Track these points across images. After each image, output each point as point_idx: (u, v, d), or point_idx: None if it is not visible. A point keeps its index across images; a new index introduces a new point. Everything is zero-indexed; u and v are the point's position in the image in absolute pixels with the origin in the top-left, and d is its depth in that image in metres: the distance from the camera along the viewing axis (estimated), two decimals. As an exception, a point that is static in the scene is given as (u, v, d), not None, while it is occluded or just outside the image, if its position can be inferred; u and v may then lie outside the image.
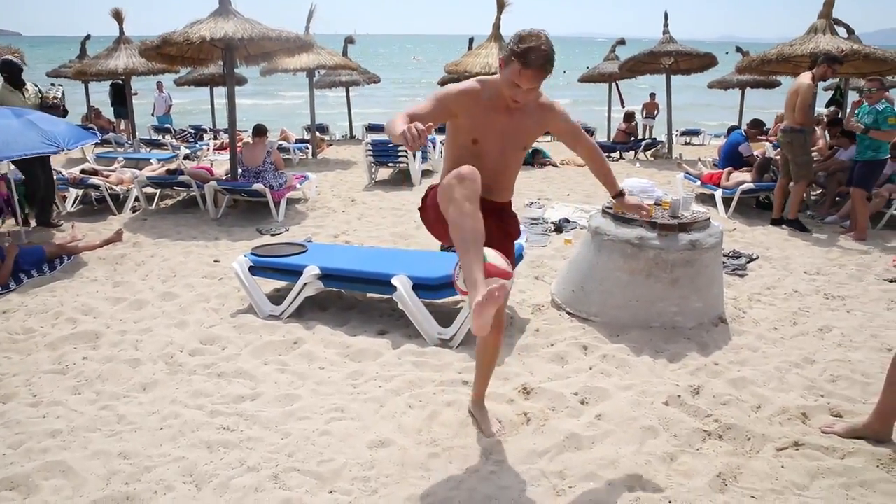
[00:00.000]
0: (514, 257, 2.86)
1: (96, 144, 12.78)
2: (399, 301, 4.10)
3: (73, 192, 8.02)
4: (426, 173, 10.55)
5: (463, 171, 2.30)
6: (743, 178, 7.88)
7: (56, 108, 7.32)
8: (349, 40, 15.12)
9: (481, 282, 2.18)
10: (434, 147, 11.07)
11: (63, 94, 7.98)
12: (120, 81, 13.98)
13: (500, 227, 2.72)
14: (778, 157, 8.22)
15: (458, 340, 4.03)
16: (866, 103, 6.61)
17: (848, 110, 10.03)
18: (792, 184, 6.88)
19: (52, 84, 9.04)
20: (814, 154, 7.52)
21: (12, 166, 6.82)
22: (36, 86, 7.24)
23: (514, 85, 2.42)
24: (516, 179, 2.85)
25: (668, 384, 3.48)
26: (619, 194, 3.03)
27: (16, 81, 6.87)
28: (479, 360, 3.01)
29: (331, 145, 15.12)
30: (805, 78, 6.65)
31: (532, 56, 2.33)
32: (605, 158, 2.98)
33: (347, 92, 17.93)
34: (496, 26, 12.70)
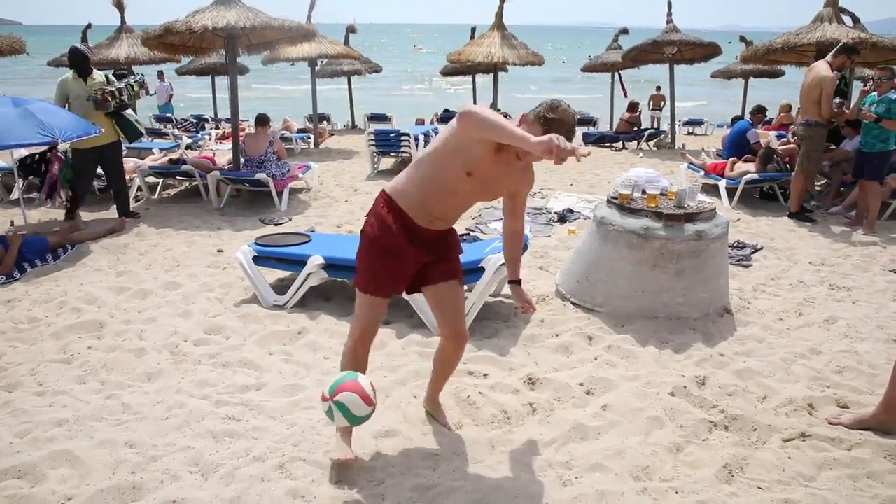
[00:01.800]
0: (458, 267, 2.81)
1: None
2: (403, 291, 4.09)
3: (76, 182, 7.99)
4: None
5: (360, 335, 2.72)
6: (747, 169, 7.84)
7: (122, 108, 6.57)
8: (351, 29, 15.04)
9: (342, 441, 2.67)
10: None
11: (130, 87, 6.67)
12: (122, 71, 13.91)
13: (437, 251, 2.70)
14: (781, 147, 8.19)
15: (462, 331, 4.01)
16: (875, 92, 6.55)
17: (854, 99, 9.95)
18: (794, 175, 6.82)
19: (125, 73, 8.06)
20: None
21: (69, 152, 6.60)
22: (106, 77, 6.72)
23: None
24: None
25: (673, 375, 3.48)
26: (516, 282, 2.89)
27: (82, 69, 6.45)
28: (438, 368, 2.98)
29: (332, 135, 15.08)
30: (824, 70, 6.47)
31: (557, 127, 2.37)
32: (522, 246, 2.95)
33: (349, 81, 17.86)
34: (498, 15, 12.62)
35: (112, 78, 6.80)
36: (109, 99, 6.41)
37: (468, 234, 6.18)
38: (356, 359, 2.73)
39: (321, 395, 2.54)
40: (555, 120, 2.39)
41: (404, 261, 2.64)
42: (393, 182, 2.70)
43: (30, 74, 35.44)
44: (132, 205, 7.68)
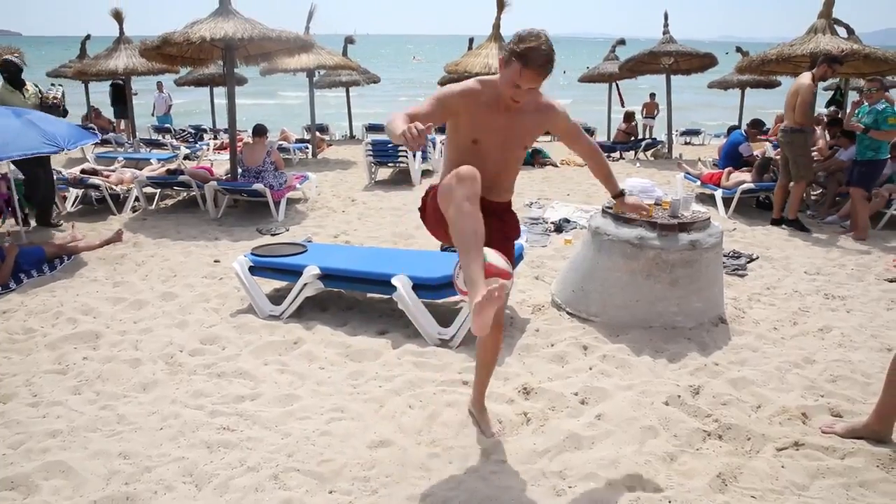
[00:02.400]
0: (514, 258, 2.86)
1: (96, 144, 12.77)
2: (399, 301, 4.10)
3: (73, 192, 8.03)
4: (426, 173, 10.55)
5: (462, 171, 2.30)
6: (743, 178, 7.88)
7: (56, 108, 7.28)
8: (349, 40, 15.13)
9: (481, 282, 2.18)
10: (434, 147, 11.07)
11: (63, 94, 7.92)
12: (120, 81, 13.99)
13: (500, 227, 2.72)
14: (778, 157, 8.23)
15: (458, 340, 4.03)
16: (866, 103, 6.61)
17: (848, 110, 10.02)
18: (792, 184, 6.88)
19: (53, 84, 8.98)
20: (814, 154, 7.53)
21: (13, 166, 6.81)
22: (36, 86, 7.19)
23: (514, 85, 2.42)
24: (517, 179, 2.85)
25: (668, 384, 3.48)
26: (619, 194, 3.03)
27: (16, 81, 6.85)
28: (480, 360, 3.01)
29: (330, 145, 15.12)
30: (805, 78, 6.65)
31: (532, 56, 2.33)
32: (605, 158, 2.98)
33: (347, 92, 17.94)
34: (496, 26, 12.71)
35: (41, 87, 7.37)
36: (61, 104, 7.24)
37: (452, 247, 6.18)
38: (462, 209, 2.26)
39: (460, 291, 2.33)
40: (527, 51, 2.33)
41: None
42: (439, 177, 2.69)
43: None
44: (129, 215, 7.71)
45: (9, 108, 6.07)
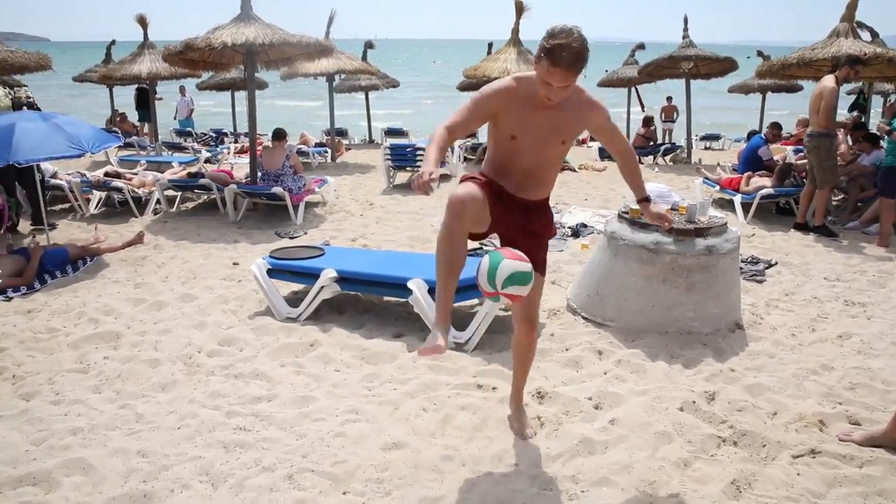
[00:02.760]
0: (542, 257, 2.80)
1: (119, 148, 12.99)
2: (415, 304, 4.13)
3: (97, 195, 8.18)
4: (444, 178, 10.57)
5: (468, 204, 2.36)
6: (762, 184, 7.79)
7: (32, 107, 7.35)
8: (369, 45, 15.23)
9: (439, 325, 2.38)
10: (452, 152, 11.10)
11: (33, 95, 7.86)
12: (144, 86, 14.22)
13: (525, 225, 2.70)
14: (799, 161, 8.13)
15: (473, 344, 4.04)
16: None
17: (874, 114, 9.87)
18: (817, 190, 6.78)
19: (18, 85, 9.12)
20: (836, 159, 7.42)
21: None
22: (3, 88, 7.32)
23: (546, 83, 2.39)
24: (555, 178, 2.81)
25: (683, 390, 3.46)
26: (644, 199, 2.98)
27: None
28: (514, 360, 3.03)
29: (349, 149, 15.23)
30: (828, 81, 6.56)
31: (561, 53, 2.28)
32: (637, 162, 2.95)
33: (367, 96, 18.05)
34: (515, 31, 12.70)
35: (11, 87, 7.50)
36: (34, 103, 7.28)
37: (480, 247, 6.20)
38: (451, 237, 2.39)
39: (483, 292, 2.39)
40: (556, 47, 2.28)
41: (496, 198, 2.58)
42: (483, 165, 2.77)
43: (57, 90, 36.22)
44: (151, 217, 7.83)
45: (35, 112, 6.21)
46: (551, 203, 2.95)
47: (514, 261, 2.33)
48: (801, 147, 10.43)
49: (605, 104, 2.73)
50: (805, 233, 6.90)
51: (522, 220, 2.70)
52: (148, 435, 3.09)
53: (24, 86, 9.46)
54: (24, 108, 7.16)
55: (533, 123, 2.53)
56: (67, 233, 7.04)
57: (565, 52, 2.28)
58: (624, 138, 2.87)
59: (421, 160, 9.81)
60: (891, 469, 2.76)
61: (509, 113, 2.52)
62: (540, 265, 2.76)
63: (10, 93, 7.25)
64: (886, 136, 6.39)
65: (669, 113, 17.33)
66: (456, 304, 4.46)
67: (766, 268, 5.69)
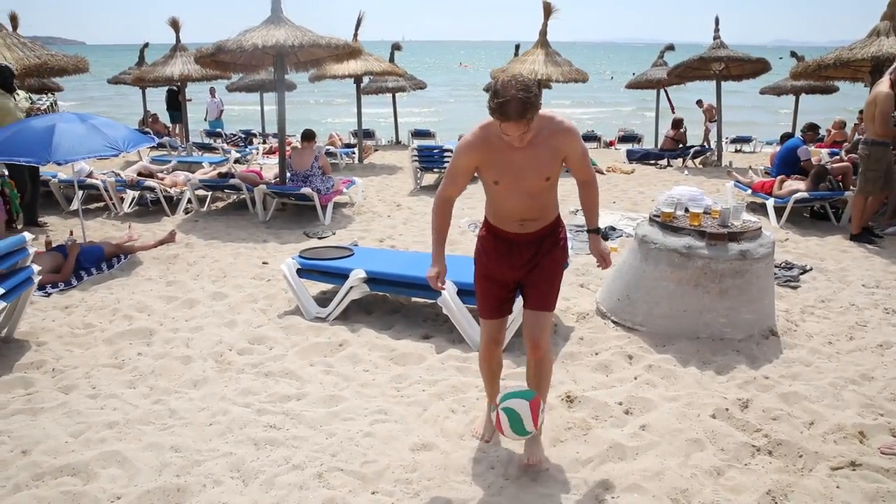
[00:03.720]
0: (555, 286, 2.82)
1: (151, 148, 13.23)
2: (443, 306, 4.12)
3: (130, 194, 8.34)
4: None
5: (484, 352, 2.95)
6: (797, 187, 7.63)
7: None
8: (396, 47, 15.30)
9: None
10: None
11: (52, 104, 7.75)
12: (175, 87, 14.47)
13: (532, 261, 2.78)
14: (834, 165, 7.94)
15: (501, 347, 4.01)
16: None
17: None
18: (855, 195, 6.60)
19: (40, 96, 9.26)
20: None
21: (4, 169, 6.99)
22: (28, 93, 7.41)
23: (505, 134, 2.46)
24: (555, 202, 2.82)
25: (715, 397, 3.41)
26: (594, 230, 2.93)
27: (7, 86, 6.94)
28: (529, 381, 2.96)
29: (377, 150, 15.31)
30: (882, 86, 6.28)
31: (506, 110, 2.35)
32: (597, 192, 2.93)
33: (394, 98, 18.13)
34: (543, 32, 12.65)
35: (31, 96, 7.48)
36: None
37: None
38: (489, 359, 2.98)
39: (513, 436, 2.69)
40: (499, 106, 2.34)
41: (501, 283, 2.86)
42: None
43: (93, 91, 37.03)
44: (182, 216, 7.96)
45: (73, 113, 6.35)
46: (577, 206, 2.95)
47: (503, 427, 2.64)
48: (836, 150, 10.22)
49: (576, 128, 2.74)
50: (864, 243, 6.60)
51: (530, 256, 2.77)
52: (181, 430, 3.14)
53: (53, 95, 9.67)
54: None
55: (512, 165, 2.58)
56: (102, 231, 7.19)
57: (509, 107, 2.34)
58: (591, 168, 2.86)
59: (448, 161, 9.82)
60: (934, 483, 2.68)
61: (487, 162, 2.63)
62: (551, 298, 2.80)
63: (28, 98, 7.31)
64: None
65: (712, 114, 17.06)
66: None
67: (801, 273, 5.57)
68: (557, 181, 2.74)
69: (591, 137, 17.78)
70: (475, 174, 2.75)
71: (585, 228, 3.01)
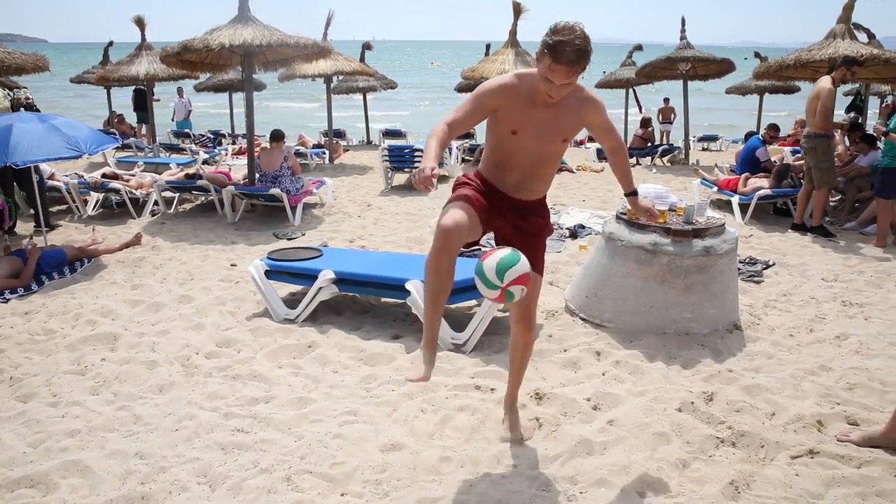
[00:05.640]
0: (540, 256, 2.79)
1: (117, 149, 12.97)
2: (413, 306, 4.12)
3: (94, 196, 8.17)
4: (442, 179, 10.57)
5: (454, 224, 2.35)
6: (760, 185, 7.80)
7: (31, 108, 7.36)
8: (366, 46, 15.23)
9: (427, 351, 2.57)
10: (451, 153, 11.11)
11: (32, 97, 7.88)
12: (142, 87, 14.21)
13: (520, 224, 2.70)
14: (796, 162, 8.15)
15: (471, 345, 4.04)
16: None
17: (871, 115, 9.90)
18: (814, 190, 6.80)
19: (18, 86, 9.08)
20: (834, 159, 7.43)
21: None
22: (2, 88, 7.32)
23: (548, 80, 2.37)
24: (552, 178, 2.80)
25: (681, 391, 3.46)
26: (632, 193, 2.99)
27: None
28: (511, 359, 3.01)
29: (347, 150, 15.23)
30: (824, 82, 6.59)
31: (563, 49, 2.26)
32: (628, 157, 2.96)
33: (364, 98, 18.05)
34: (513, 32, 12.72)
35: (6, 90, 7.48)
36: (33, 104, 7.25)
37: (479, 248, 6.20)
38: (441, 262, 2.38)
39: (492, 300, 2.40)
40: (558, 44, 2.26)
41: (486, 203, 2.58)
42: (480, 164, 2.76)
43: (55, 92, 36.17)
44: (148, 219, 7.82)
45: (32, 113, 6.20)
46: (549, 204, 2.95)
47: (489, 257, 2.32)
48: (798, 148, 10.47)
49: (603, 100, 2.72)
50: (802, 233, 6.92)
51: (517, 220, 2.69)
52: (146, 436, 3.08)
53: (24, 87, 9.46)
54: (23, 109, 7.14)
55: (534, 120, 2.51)
56: (65, 234, 7.03)
57: (568, 48, 2.25)
58: (618, 133, 2.87)
59: (419, 161, 9.82)
60: (889, 469, 2.77)
61: (510, 109, 2.51)
62: (538, 265, 2.74)
63: (8, 94, 7.24)
64: (883, 137, 6.42)
65: (667, 114, 17.36)
66: (454, 306, 4.48)
67: (764, 268, 5.70)
68: (564, 152, 2.74)
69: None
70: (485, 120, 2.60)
71: (623, 193, 3.00)
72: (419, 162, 10.57)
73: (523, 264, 2.31)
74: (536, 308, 2.84)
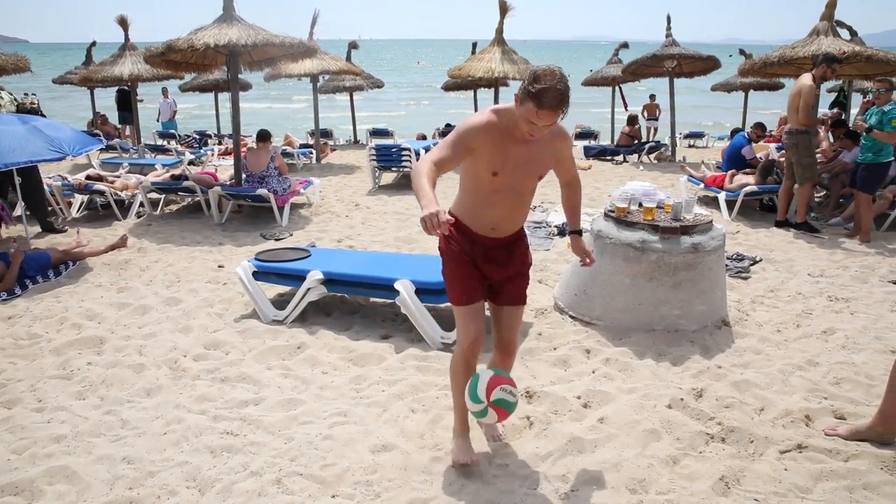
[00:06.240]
0: (525, 287, 2.86)
1: (101, 150, 12.84)
2: (402, 305, 4.11)
3: (79, 198, 8.07)
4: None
5: (467, 346, 2.68)
6: (746, 181, 7.86)
7: (35, 113, 7.34)
8: (353, 45, 15.17)
9: (461, 430, 2.82)
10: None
11: (38, 102, 7.98)
12: (126, 88, 14.07)
13: (506, 264, 2.74)
14: (782, 159, 8.22)
15: (460, 344, 4.03)
16: (875, 104, 6.59)
17: (854, 112, 10.00)
18: (797, 186, 6.87)
19: (26, 93, 8.99)
20: (817, 156, 7.51)
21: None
22: (11, 94, 7.26)
23: (530, 123, 2.43)
24: (528, 212, 2.84)
25: (670, 387, 3.48)
26: (576, 231, 3.02)
27: None
28: None
29: (334, 150, 15.16)
30: (806, 79, 6.65)
31: (547, 97, 2.33)
32: (581, 195, 3.01)
33: (351, 97, 17.98)
34: (499, 31, 12.70)
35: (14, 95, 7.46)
36: (38, 109, 7.29)
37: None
38: (467, 369, 2.71)
39: (469, 408, 2.61)
40: (541, 91, 2.33)
41: (476, 269, 2.70)
42: (451, 205, 2.76)
43: (38, 94, 35.73)
44: (134, 220, 7.74)
45: (14, 115, 6.11)
46: (537, 202, 2.97)
47: (504, 385, 2.54)
48: (783, 144, 10.54)
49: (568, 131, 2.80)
50: (786, 230, 6.98)
51: (503, 259, 2.74)
52: (133, 441, 3.05)
53: (34, 94, 9.39)
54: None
55: (513, 157, 2.56)
56: (49, 237, 6.94)
57: (550, 95, 2.34)
58: (576, 168, 2.92)
59: (406, 160, 9.80)
60: (876, 463, 2.79)
61: (491, 146, 2.53)
62: (522, 299, 2.84)
63: (14, 100, 7.18)
64: (864, 133, 6.49)
65: (653, 111, 17.44)
66: (442, 305, 4.47)
67: (751, 264, 5.74)
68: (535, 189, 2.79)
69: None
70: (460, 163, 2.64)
71: (568, 229, 3.05)
72: (406, 161, 10.55)
73: (485, 375, 2.56)
74: (517, 336, 2.90)
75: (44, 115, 7.85)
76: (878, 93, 6.52)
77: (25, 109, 7.20)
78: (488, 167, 2.55)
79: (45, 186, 7.75)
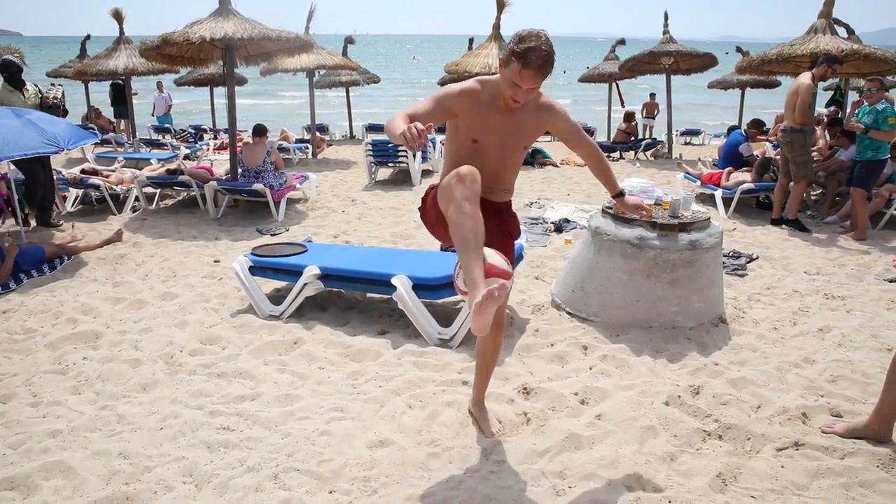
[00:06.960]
0: (514, 257, 2.87)
1: (96, 144, 12.77)
2: (399, 301, 4.10)
3: (73, 192, 8.03)
4: (426, 173, 10.55)
5: (463, 171, 2.31)
6: (743, 178, 7.88)
7: (56, 108, 7.27)
8: (349, 40, 15.12)
9: (481, 282, 2.17)
10: (434, 147, 11.08)
11: (63, 94, 7.90)
12: (120, 81, 13.99)
13: (500, 227, 2.73)
14: (778, 157, 8.23)
15: (458, 340, 4.03)
16: (866, 103, 6.61)
17: (848, 110, 10.02)
18: (792, 184, 6.88)
19: (53, 84, 8.93)
20: (814, 154, 7.53)
21: (13, 166, 6.80)
22: (36, 86, 7.20)
23: (514, 85, 2.42)
24: (516, 180, 2.86)
25: (668, 384, 3.48)
26: (619, 194, 3.03)
27: (16, 81, 6.83)
28: (479, 361, 3.01)
29: (331, 145, 15.12)
30: (804, 78, 6.66)
31: (532, 56, 2.33)
32: (605, 158, 2.97)
33: (347, 92, 17.93)
34: (496, 26, 12.71)
35: (41, 87, 7.38)
36: (61, 104, 7.29)
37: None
38: (467, 201, 2.27)
39: (460, 292, 2.35)
40: (526, 51, 2.33)
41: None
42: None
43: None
44: (129, 215, 7.70)
45: (9, 108, 6.07)
46: (533, 198, 2.97)
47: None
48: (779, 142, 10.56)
49: (564, 106, 2.76)
50: (781, 227, 6.99)
51: (498, 221, 2.71)
52: (129, 436, 3.03)
53: (60, 86, 9.32)
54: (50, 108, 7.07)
55: (495, 127, 2.55)
56: (43, 231, 6.90)
57: (535, 54, 2.33)
58: (588, 137, 2.88)
59: (403, 155, 9.78)
60: (872, 460, 2.80)
61: (471, 115, 2.53)
62: (512, 259, 2.79)
63: (39, 92, 7.13)
64: (860, 134, 6.50)
65: (651, 109, 17.46)
66: (439, 301, 4.47)
67: (748, 262, 5.75)
68: (523, 159, 2.77)
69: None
70: (446, 123, 2.60)
71: (609, 196, 3.05)
72: (403, 156, 10.53)
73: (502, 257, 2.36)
74: (505, 311, 2.88)
75: (66, 111, 7.77)
76: (870, 92, 6.54)
77: (47, 105, 7.13)
78: (467, 133, 2.56)
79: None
